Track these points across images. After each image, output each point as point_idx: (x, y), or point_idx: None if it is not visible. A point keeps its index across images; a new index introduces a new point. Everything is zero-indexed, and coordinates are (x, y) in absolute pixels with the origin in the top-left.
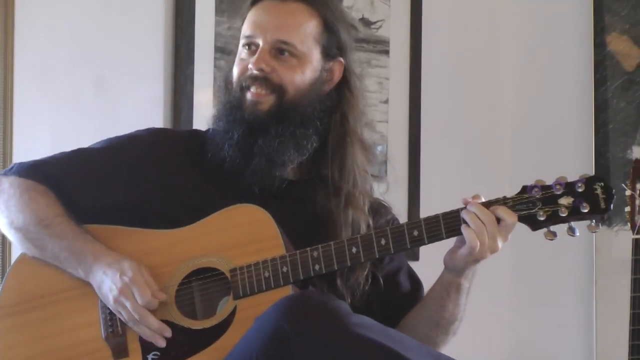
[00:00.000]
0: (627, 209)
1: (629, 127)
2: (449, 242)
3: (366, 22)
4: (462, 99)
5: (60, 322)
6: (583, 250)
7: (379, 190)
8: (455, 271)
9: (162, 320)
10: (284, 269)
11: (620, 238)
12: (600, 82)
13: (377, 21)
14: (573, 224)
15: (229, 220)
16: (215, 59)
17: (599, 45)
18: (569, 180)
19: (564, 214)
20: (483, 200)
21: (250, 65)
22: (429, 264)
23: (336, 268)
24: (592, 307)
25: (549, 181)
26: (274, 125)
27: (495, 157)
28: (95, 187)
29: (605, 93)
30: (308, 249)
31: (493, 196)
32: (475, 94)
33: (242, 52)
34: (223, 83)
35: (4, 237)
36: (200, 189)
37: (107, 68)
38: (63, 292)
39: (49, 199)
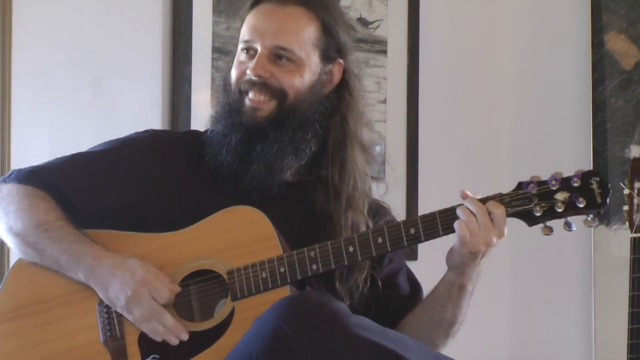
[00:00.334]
0: (626, 207)
1: (627, 126)
2: (448, 242)
3: (364, 22)
4: (460, 98)
5: (58, 327)
6: (582, 249)
7: (377, 191)
8: (455, 269)
9: None
10: (282, 270)
11: (619, 237)
12: (598, 81)
13: (375, 21)
14: (569, 219)
15: (226, 222)
16: (213, 59)
17: (597, 44)
18: (565, 175)
19: (560, 209)
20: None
21: (248, 70)
22: (427, 263)
23: (334, 267)
24: (590, 306)
25: (546, 179)
26: (272, 130)
27: (493, 157)
28: (94, 191)
29: (604, 92)
30: (305, 249)
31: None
32: (473, 93)
33: (240, 55)
34: (222, 84)
35: (2, 243)
36: (198, 192)
37: (105, 69)
38: (60, 297)
39: (48, 204)
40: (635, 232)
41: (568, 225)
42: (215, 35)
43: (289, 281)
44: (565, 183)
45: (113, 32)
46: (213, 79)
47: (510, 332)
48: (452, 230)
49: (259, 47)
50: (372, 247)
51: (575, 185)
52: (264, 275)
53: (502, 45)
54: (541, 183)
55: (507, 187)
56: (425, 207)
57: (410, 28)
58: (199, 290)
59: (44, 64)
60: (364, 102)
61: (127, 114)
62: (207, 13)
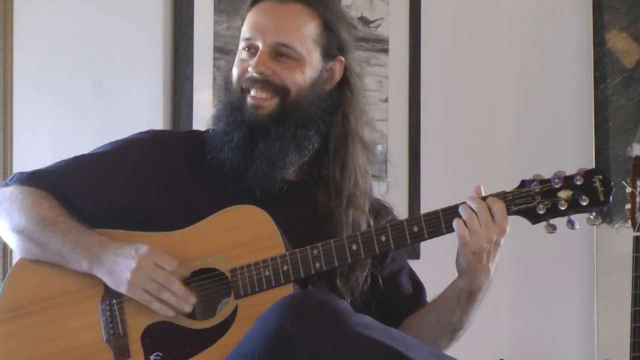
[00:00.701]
0: (628, 206)
1: (629, 124)
2: (451, 241)
3: (365, 21)
4: (462, 97)
5: (60, 326)
6: (584, 247)
7: (379, 190)
8: (464, 274)
9: (163, 322)
10: (285, 268)
11: (621, 235)
12: (600, 79)
13: (376, 20)
14: (572, 217)
15: (228, 221)
16: (215, 58)
17: (599, 42)
18: (567, 173)
19: (563, 207)
20: (483, 191)
21: (250, 68)
22: (429, 262)
23: (337, 266)
24: (593, 305)
25: (549, 177)
26: (275, 127)
27: (495, 155)
28: (96, 193)
29: (605, 90)
30: (308, 247)
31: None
32: (475, 92)
33: (241, 53)
34: (223, 83)
35: (5, 245)
36: (200, 191)
37: (106, 69)
38: (62, 295)
39: (52, 202)
40: (638, 231)
41: (571, 223)
42: (216, 34)
43: (292, 279)
44: (568, 181)
45: (114, 32)
46: (214, 79)
47: (512, 330)
48: None
49: (260, 45)
50: (376, 245)
51: (578, 183)
52: (267, 273)
53: (503, 43)
54: (544, 181)
55: (509, 185)
56: (428, 205)
57: (411, 27)
58: (202, 289)
59: (45, 64)
60: (365, 100)
61: (128, 114)
62: (208, 12)
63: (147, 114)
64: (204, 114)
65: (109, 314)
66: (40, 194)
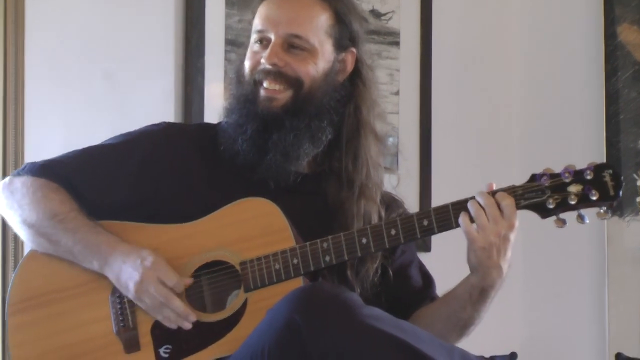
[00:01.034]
0: (639, 199)
1: None
2: (461, 235)
3: (376, 14)
4: (473, 90)
5: (70, 318)
6: (595, 241)
7: (390, 183)
8: (475, 271)
9: None
10: (295, 261)
11: (632, 228)
12: (611, 72)
13: (387, 13)
14: (582, 211)
15: (239, 214)
16: (226, 51)
17: (610, 36)
18: (578, 168)
19: (573, 201)
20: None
21: (262, 60)
22: (440, 255)
23: (346, 259)
24: (604, 298)
25: (559, 171)
26: (289, 119)
27: (506, 148)
28: (107, 184)
29: (616, 83)
30: (318, 240)
31: (504, 186)
32: (486, 84)
33: (254, 45)
34: (235, 76)
35: (16, 235)
36: (212, 184)
37: (118, 62)
38: (73, 288)
39: (62, 196)
40: None
41: (581, 218)
42: (227, 27)
43: (302, 272)
44: (578, 175)
45: (126, 25)
46: (225, 71)
47: (523, 324)
48: None
49: (272, 37)
50: (385, 239)
51: (588, 177)
52: (277, 266)
53: (514, 36)
54: (554, 175)
55: (519, 178)
56: (438, 198)
57: (422, 19)
58: (212, 282)
59: (57, 57)
60: (377, 92)
61: (140, 107)
62: (219, 5)
63: (159, 107)
64: (215, 106)
65: (119, 306)
66: (51, 186)
